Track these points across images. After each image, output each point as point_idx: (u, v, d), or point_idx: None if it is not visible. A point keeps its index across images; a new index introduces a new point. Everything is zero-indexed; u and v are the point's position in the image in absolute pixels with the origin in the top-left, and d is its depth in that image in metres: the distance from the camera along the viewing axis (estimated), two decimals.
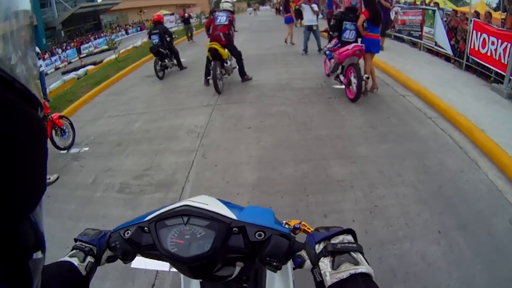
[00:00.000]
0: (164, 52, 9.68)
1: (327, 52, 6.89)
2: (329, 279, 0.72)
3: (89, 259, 0.97)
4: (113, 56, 14.60)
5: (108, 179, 4.80)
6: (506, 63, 5.81)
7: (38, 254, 0.39)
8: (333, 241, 0.81)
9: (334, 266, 0.74)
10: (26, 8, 0.38)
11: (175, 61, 10.37)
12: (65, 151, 5.76)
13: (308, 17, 10.75)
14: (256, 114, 6.39)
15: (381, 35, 7.48)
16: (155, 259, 1.02)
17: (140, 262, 3.04)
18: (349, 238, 0.81)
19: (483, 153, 4.42)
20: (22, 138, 0.33)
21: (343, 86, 6.54)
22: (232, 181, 4.36)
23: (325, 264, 0.76)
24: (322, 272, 0.75)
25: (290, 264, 1.34)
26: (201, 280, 1.28)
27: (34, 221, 0.38)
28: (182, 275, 1.42)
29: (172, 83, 9.22)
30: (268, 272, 1.35)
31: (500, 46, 6.02)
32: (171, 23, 28.89)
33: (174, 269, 2.89)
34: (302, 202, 3.75)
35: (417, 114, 5.76)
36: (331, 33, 7.21)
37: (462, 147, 4.63)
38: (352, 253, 0.76)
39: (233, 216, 0.93)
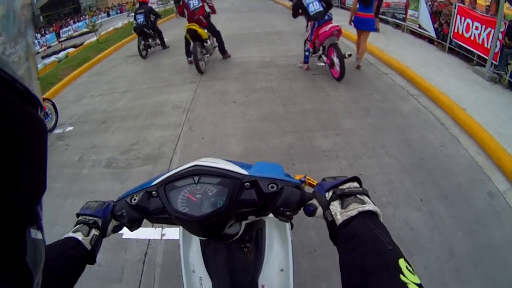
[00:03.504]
0: (148, 32, 9.60)
1: (308, 47, 6.78)
2: (339, 218, 0.76)
3: (94, 232, 0.96)
4: (94, 38, 14.37)
5: (94, 155, 4.78)
6: (489, 47, 5.89)
7: (36, 234, 0.38)
8: (341, 187, 0.83)
9: (343, 206, 0.78)
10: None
11: (158, 41, 10.30)
12: (48, 133, 5.59)
13: None
14: (241, 89, 6.38)
15: (375, 16, 7.51)
16: (163, 223, 1.02)
17: (131, 232, 3.05)
18: (355, 184, 0.85)
19: (464, 130, 4.49)
20: (22, 138, 0.32)
21: (324, 64, 6.56)
22: (220, 152, 4.39)
23: (335, 206, 0.80)
24: (333, 213, 0.78)
25: (288, 225, 1.42)
26: (203, 241, 1.32)
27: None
28: (181, 241, 1.46)
29: (155, 62, 9.09)
30: (268, 232, 1.41)
31: (484, 31, 6.09)
32: (153, 4, 28.24)
33: (166, 237, 2.95)
34: (289, 170, 3.66)
35: (399, 92, 5.81)
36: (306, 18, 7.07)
37: (443, 123, 4.69)
38: (358, 195, 0.79)
39: (244, 172, 0.94)
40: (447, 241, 2.89)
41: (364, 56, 7.05)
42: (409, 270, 0.60)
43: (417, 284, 0.57)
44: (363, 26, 6.58)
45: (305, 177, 1.12)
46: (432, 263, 2.72)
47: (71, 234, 0.93)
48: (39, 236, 0.39)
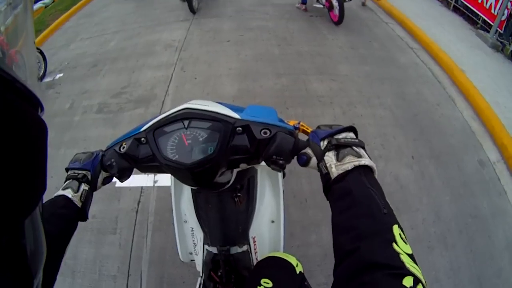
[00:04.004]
0: None
1: None
2: (334, 171, 0.74)
3: (83, 187, 0.94)
4: None
5: (85, 101, 4.66)
6: (495, 14, 5.68)
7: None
8: (336, 137, 0.80)
9: (339, 159, 0.75)
10: None
11: None
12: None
13: None
14: (235, 28, 6.16)
15: None
16: (154, 172, 1.03)
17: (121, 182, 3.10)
18: (351, 134, 0.81)
19: (461, 92, 4.40)
20: (22, 138, 0.32)
21: (322, 6, 6.34)
22: (213, 93, 4.32)
23: (329, 157, 0.76)
24: (327, 165, 0.76)
25: (280, 174, 1.39)
26: (194, 190, 1.27)
27: None
28: (172, 189, 1.46)
29: (146, 1, 8.66)
30: (259, 181, 1.37)
31: None
32: None
33: (158, 184, 2.95)
34: (282, 114, 3.64)
35: (398, 42, 5.63)
36: None
37: (440, 82, 4.60)
38: (354, 147, 0.76)
39: (236, 116, 0.89)
40: (435, 204, 2.94)
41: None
42: (402, 239, 0.58)
43: (409, 255, 0.56)
44: None
45: (299, 123, 1.10)
46: (419, 224, 2.79)
47: (60, 192, 0.91)
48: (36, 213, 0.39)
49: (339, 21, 5.88)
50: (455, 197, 2.99)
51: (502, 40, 5.51)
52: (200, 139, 0.87)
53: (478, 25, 6.25)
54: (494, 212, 2.92)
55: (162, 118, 0.91)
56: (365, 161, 0.72)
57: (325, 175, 0.76)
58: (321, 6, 6.35)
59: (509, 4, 5.36)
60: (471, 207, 2.93)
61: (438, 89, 4.43)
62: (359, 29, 5.97)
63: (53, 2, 13.92)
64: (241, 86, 4.36)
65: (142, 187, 3.13)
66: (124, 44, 6.10)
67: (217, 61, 5.02)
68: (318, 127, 0.87)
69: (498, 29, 5.56)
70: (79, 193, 0.92)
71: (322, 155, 0.78)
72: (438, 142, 3.52)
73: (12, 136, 0.30)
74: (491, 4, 5.86)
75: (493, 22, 5.68)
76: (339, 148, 0.76)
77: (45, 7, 13.47)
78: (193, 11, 6.82)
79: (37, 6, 14.93)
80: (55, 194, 0.90)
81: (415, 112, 3.90)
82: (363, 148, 0.78)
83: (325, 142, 0.79)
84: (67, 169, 0.99)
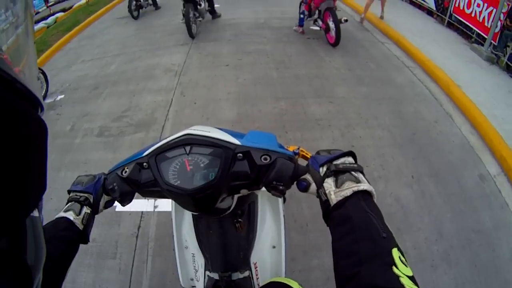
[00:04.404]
0: None
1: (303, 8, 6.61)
2: (334, 198, 0.74)
3: (85, 210, 0.94)
4: (83, 1, 13.87)
5: (86, 124, 4.68)
6: (489, 26, 5.77)
7: (34, 212, 0.38)
8: (335, 162, 0.81)
9: (338, 185, 0.76)
10: None
11: (150, 1, 9.92)
12: None
13: None
14: (234, 52, 6.23)
15: None
16: (155, 197, 1.00)
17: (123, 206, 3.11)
18: (350, 159, 0.82)
19: (458, 108, 4.45)
20: (22, 138, 0.32)
21: (319, 28, 6.41)
22: (212, 118, 4.35)
23: (329, 184, 0.77)
24: (327, 191, 0.76)
25: (280, 200, 1.41)
26: (195, 215, 1.29)
27: None
28: (173, 214, 1.47)
29: (146, 23, 8.81)
30: (260, 206, 1.40)
31: (486, 9, 5.96)
32: None
33: (159, 209, 2.97)
34: (281, 139, 3.75)
35: (394, 62, 5.70)
36: None
37: (437, 99, 4.65)
38: (353, 172, 0.77)
39: (237, 142, 0.91)
40: (436, 221, 2.93)
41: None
42: (402, 262, 0.59)
43: (409, 277, 0.56)
44: None
45: (298, 148, 1.08)
46: (422, 243, 2.76)
47: (62, 214, 0.91)
48: (36, 214, 0.39)
49: (335, 43, 5.95)
50: (457, 214, 2.99)
51: (496, 52, 5.60)
52: (202, 165, 0.88)
53: (473, 39, 6.34)
54: (497, 225, 2.92)
55: (164, 144, 0.93)
56: (364, 186, 0.74)
57: (324, 202, 0.77)
58: (318, 28, 6.43)
59: (502, 15, 5.45)
60: (473, 222, 2.93)
61: (435, 106, 4.47)
62: (355, 50, 6.05)
63: (55, 22, 13.93)
64: (240, 111, 4.41)
65: (142, 212, 3.14)
66: (124, 67, 6.17)
67: (216, 86, 5.09)
68: (318, 152, 0.89)
69: (492, 41, 5.64)
70: (81, 216, 0.92)
71: (321, 182, 0.79)
72: (437, 160, 3.54)
73: (12, 136, 0.30)
74: (484, 17, 5.95)
75: (487, 35, 5.77)
76: (338, 174, 0.78)
77: (47, 27, 13.47)
78: (192, 36, 6.91)
79: (39, 26, 15.07)
80: (56, 216, 0.91)
81: (413, 131, 3.93)
82: (362, 172, 0.79)
83: (324, 168, 0.81)
84: (69, 191, 1.00)
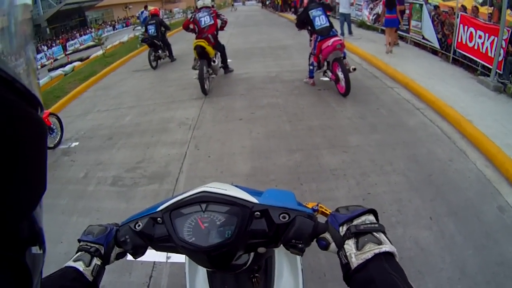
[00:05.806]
0: (158, 43, 9.97)
1: (312, 62, 6.80)
2: (354, 261, 0.73)
3: (95, 261, 0.92)
4: (100, 52, 14.42)
5: (100, 172, 4.76)
6: (492, 56, 5.90)
7: (36, 250, 0.38)
8: (355, 222, 0.80)
9: (359, 247, 0.74)
10: (27, 1, 0.38)
11: (167, 53, 10.63)
12: (53, 149, 5.64)
13: (343, 5, 11.39)
14: (247, 106, 6.40)
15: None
16: (169, 252, 0.99)
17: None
18: (371, 218, 0.81)
19: (471, 143, 4.49)
20: (22, 138, 0.33)
21: (329, 79, 6.55)
22: (226, 171, 4.37)
23: (349, 246, 0.76)
24: (347, 254, 0.75)
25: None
26: (210, 271, 1.23)
27: (32, 216, 0.38)
28: (187, 267, 1.39)
29: (161, 77, 9.15)
30: (277, 261, 1.33)
31: (487, 39, 6.11)
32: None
33: (171, 260, 2.81)
34: (297, 190, 3.75)
35: (405, 106, 5.81)
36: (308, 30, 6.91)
37: (450, 137, 4.69)
38: (374, 233, 0.76)
39: (254, 200, 0.89)
40: (458, 260, 2.87)
41: (369, 69, 7.35)
42: None
43: None
44: (390, 24, 8.80)
45: (317, 205, 1.04)
46: (445, 283, 2.69)
47: (71, 264, 0.88)
48: (39, 251, 0.39)
49: (346, 92, 6.08)
50: (478, 249, 2.93)
51: (503, 81, 5.69)
52: (218, 223, 0.86)
53: (478, 72, 6.45)
54: None
55: (179, 200, 0.92)
56: (386, 247, 0.72)
57: (345, 265, 0.75)
58: (328, 79, 6.58)
59: (503, 43, 5.57)
60: (496, 255, 2.86)
61: (448, 144, 4.50)
62: (366, 98, 6.16)
63: (72, 71, 14.57)
64: (255, 164, 4.43)
65: (154, 262, 3.07)
66: (139, 120, 6.37)
67: (230, 139, 5.16)
68: (337, 209, 0.87)
69: (497, 70, 5.74)
70: (91, 267, 0.89)
71: (341, 243, 0.78)
72: (455, 198, 3.51)
73: (12, 136, 0.31)
74: (487, 48, 6.08)
75: (491, 65, 5.87)
76: (358, 235, 0.76)
77: (65, 74, 14.11)
78: (205, 93, 7.00)
79: (57, 73, 15.72)
80: (65, 265, 0.89)
81: (429, 172, 3.93)
82: (384, 232, 0.77)
83: (344, 228, 0.79)
84: (79, 240, 0.98)
